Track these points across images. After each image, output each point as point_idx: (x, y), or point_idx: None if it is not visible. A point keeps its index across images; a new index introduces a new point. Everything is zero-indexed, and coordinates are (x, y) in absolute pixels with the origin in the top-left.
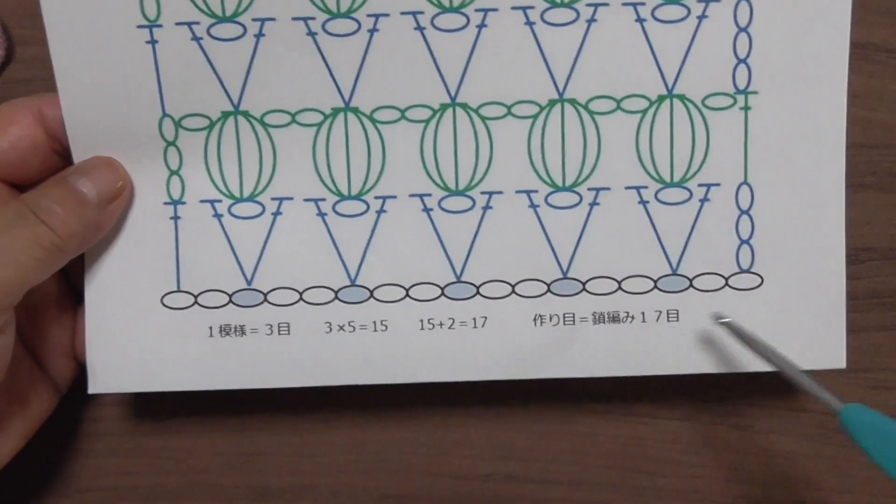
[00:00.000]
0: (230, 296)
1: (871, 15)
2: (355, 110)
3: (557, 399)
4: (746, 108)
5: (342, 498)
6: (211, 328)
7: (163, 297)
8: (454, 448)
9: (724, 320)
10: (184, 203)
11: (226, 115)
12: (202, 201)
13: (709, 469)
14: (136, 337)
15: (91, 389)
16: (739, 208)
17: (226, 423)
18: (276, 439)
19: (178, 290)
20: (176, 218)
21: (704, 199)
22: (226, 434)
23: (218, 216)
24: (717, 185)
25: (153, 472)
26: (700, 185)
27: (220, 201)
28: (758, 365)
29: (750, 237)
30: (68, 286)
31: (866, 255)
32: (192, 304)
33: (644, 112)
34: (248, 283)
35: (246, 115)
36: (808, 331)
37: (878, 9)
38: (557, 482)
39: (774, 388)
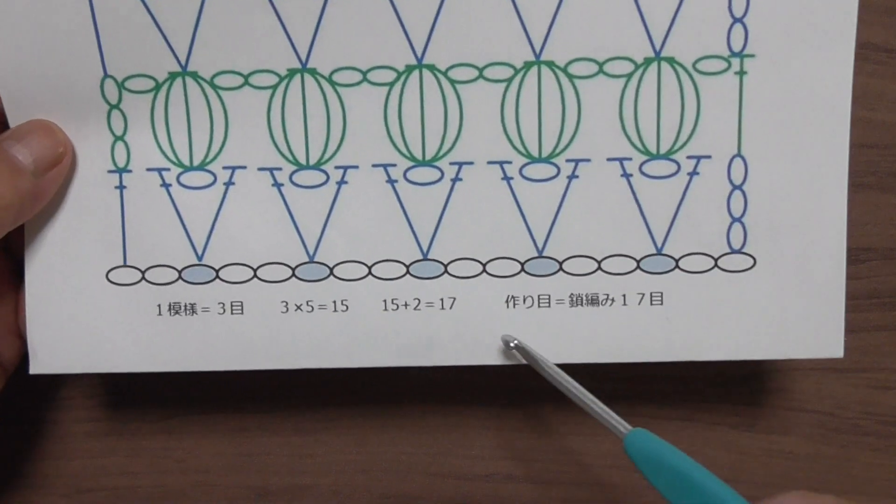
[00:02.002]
0: (180, 272)
1: (871, 15)
2: (313, 71)
3: (557, 399)
4: (742, 73)
5: (342, 498)
6: (159, 306)
7: (108, 272)
8: (454, 448)
9: (513, 343)
10: (129, 171)
11: (173, 76)
12: (149, 169)
13: (709, 469)
14: (79, 315)
15: (32, 370)
16: (732, 183)
17: (226, 423)
18: (276, 439)
19: (125, 265)
20: (121, 187)
21: (693, 173)
22: (226, 434)
23: (166, 186)
24: (708, 157)
25: (153, 472)
26: (689, 158)
27: (168, 170)
28: (748, 353)
29: (742, 215)
30: (9, 259)
31: (866, 255)
32: (140, 281)
33: (629, 76)
34: (199, 258)
35: (194, 76)
36: (804, 318)
37: (878, 9)
38: (557, 482)
39: (774, 388)
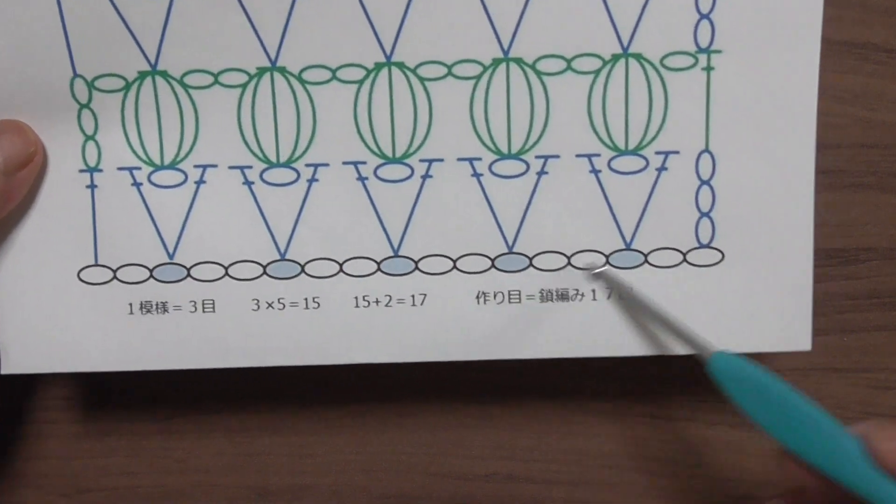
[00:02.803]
0: (151, 270)
1: (871, 15)
2: (282, 70)
3: (557, 399)
4: (709, 69)
5: (342, 498)
6: (131, 305)
7: (79, 271)
8: (454, 448)
9: (596, 270)
10: (100, 171)
11: (143, 75)
12: (120, 168)
13: (709, 469)
14: (51, 314)
15: (4, 369)
16: (700, 178)
17: (226, 423)
18: (276, 439)
19: (96, 265)
20: (92, 186)
21: (662, 168)
22: (226, 434)
23: (137, 184)
24: (676, 152)
25: (153, 472)
26: (657, 153)
27: (139, 168)
28: (724, 344)
29: (710, 210)
30: None
31: (866, 255)
32: (111, 279)
33: (597, 73)
34: (170, 256)
35: (164, 75)
36: (772, 311)
37: (878, 9)
38: (557, 482)
39: None
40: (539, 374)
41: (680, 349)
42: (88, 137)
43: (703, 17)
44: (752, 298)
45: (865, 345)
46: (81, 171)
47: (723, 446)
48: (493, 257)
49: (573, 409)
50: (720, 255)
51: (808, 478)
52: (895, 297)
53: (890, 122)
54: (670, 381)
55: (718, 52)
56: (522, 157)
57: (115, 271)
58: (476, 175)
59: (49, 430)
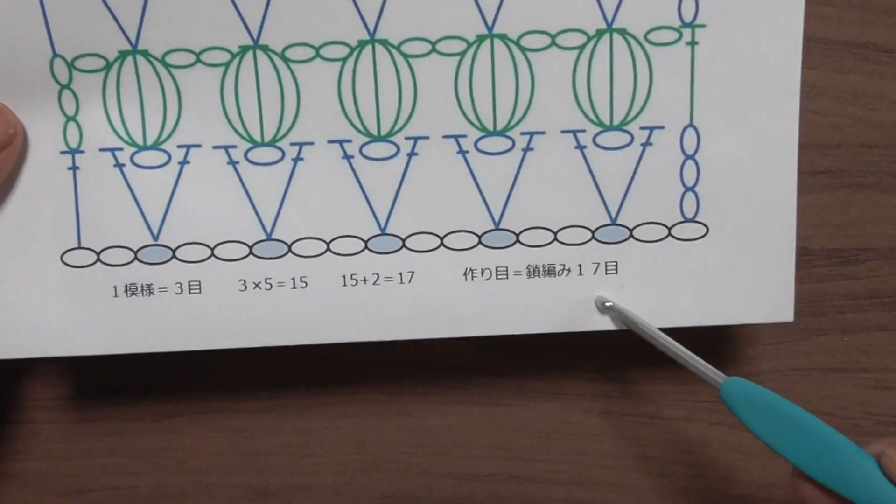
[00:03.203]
0: (135, 252)
1: (871, 15)
2: (265, 48)
3: (557, 399)
4: (693, 44)
5: (342, 498)
6: (115, 287)
7: (62, 254)
8: (454, 448)
9: (608, 304)
10: (82, 152)
11: (123, 54)
12: (102, 150)
13: (709, 469)
14: (34, 298)
15: None
16: (684, 153)
17: (226, 423)
18: (276, 439)
19: (79, 247)
20: (74, 168)
21: (646, 144)
22: (226, 434)
23: (119, 166)
24: (661, 128)
25: (153, 472)
26: (642, 129)
27: (121, 149)
28: (701, 319)
29: (695, 184)
30: None
31: (866, 255)
32: (95, 262)
33: (581, 48)
34: (155, 238)
35: (145, 54)
36: (755, 283)
37: (878, 9)
38: (557, 482)
39: (775, 388)
40: (539, 375)
41: (669, 322)
42: (69, 118)
43: None
44: (736, 271)
45: (865, 345)
46: (63, 152)
47: (723, 446)
48: (479, 234)
49: (573, 409)
50: (705, 229)
51: (823, 499)
52: (895, 297)
53: (890, 122)
54: (670, 382)
55: (702, 26)
56: (508, 133)
57: (98, 254)
58: (462, 152)
59: (49, 430)
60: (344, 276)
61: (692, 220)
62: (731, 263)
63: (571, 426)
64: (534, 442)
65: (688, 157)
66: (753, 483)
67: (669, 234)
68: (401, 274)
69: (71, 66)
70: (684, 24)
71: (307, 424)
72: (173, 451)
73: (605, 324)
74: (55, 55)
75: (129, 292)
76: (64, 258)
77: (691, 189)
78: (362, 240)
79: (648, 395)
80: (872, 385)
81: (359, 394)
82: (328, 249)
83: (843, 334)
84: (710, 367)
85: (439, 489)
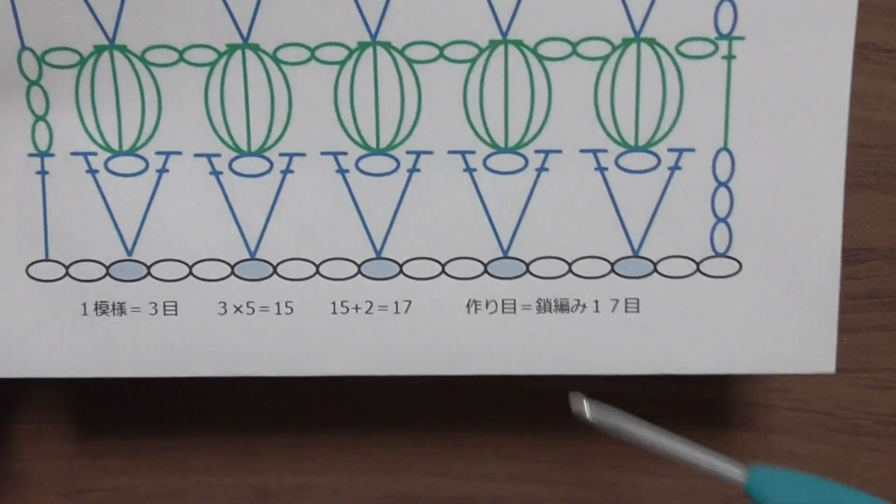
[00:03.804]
0: (107, 267)
1: (871, 15)
2: (255, 48)
3: (558, 399)
4: (730, 58)
5: (342, 498)
6: (85, 305)
7: (28, 266)
8: (454, 448)
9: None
10: (52, 155)
11: (99, 49)
12: (74, 154)
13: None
14: None
15: None
16: (717, 179)
17: (226, 423)
18: (276, 439)
19: (47, 259)
20: (43, 173)
21: (675, 167)
22: (226, 434)
23: (92, 172)
24: (691, 150)
25: (153, 472)
26: (670, 151)
27: (94, 154)
28: (731, 367)
29: (728, 215)
30: None
31: (866, 255)
32: (63, 276)
33: (605, 59)
34: (129, 252)
35: (124, 50)
36: (792, 328)
37: (878, 9)
38: (557, 482)
39: (774, 388)
40: (539, 375)
41: (694, 368)
42: (39, 118)
43: None
44: (770, 314)
45: (865, 345)
46: (31, 155)
47: (723, 446)
48: (485, 262)
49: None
50: (737, 266)
51: None
52: (895, 297)
53: (890, 122)
54: (670, 382)
55: (741, 38)
56: (520, 151)
57: (67, 268)
58: (469, 170)
59: (49, 430)
60: (334, 303)
61: (723, 255)
62: (766, 305)
63: (571, 426)
64: (534, 442)
65: (720, 183)
66: None
67: (698, 269)
68: (396, 303)
69: (41, 60)
70: (721, 36)
71: (307, 424)
72: (173, 451)
73: (624, 367)
74: (24, 48)
75: (99, 310)
76: (29, 271)
77: (723, 220)
78: (355, 263)
79: (648, 395)
80: (872, 385)
81: (358, 394)
82: (317, 273)
83: (843, 334)
84: (727, 464)
85: (440, 489)
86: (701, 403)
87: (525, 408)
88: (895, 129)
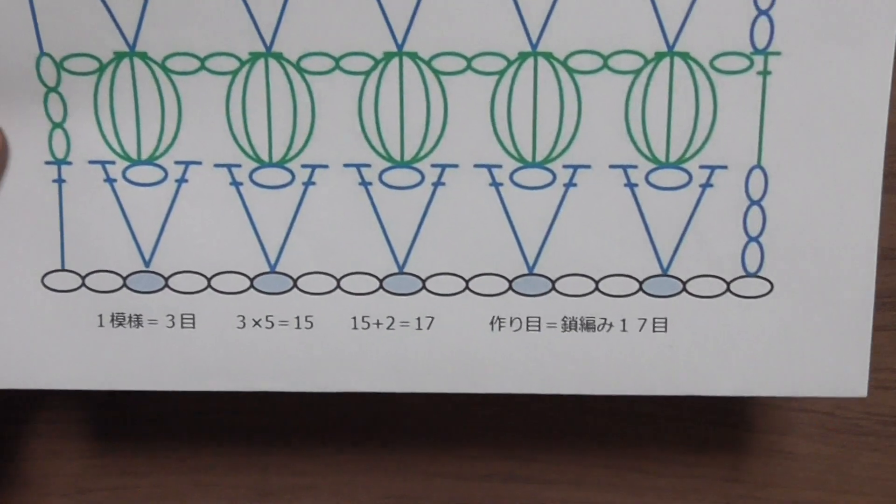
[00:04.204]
0: (124, 278)
1: None
2: (278, 56)
3: (558, 399)
4: (765, 73)
5: (342, 498)
6: (101, 316)
7: (43, 276)
8: (454, 448)
9: None
10: (69, 163)
11: (119, 56)
12: (91, 162)
13: (709, 469)
14: (10, 324)
15: None
16: (749, 197)
17: (226, 423)
18: (277, 439)
19: (63, 269)
20: (60, 181)
21: (706, 185)
22: (226, 434)
23: (110, 181)
24: (724, 167)
25: (153, 472)
26: (702, 168)
27: (112, 163)
28: (760, 389)
29: (760, 234)
30: None
31: None
32: (79, 287)
33: (637, 72)
34: (146, 263)
35: (144, 57)
36: (825, 351)
37: None
38: (557, 482)
39: None
40: None
41: (723, 390)
42: (56, 125)
43: (761, 13)
44: (802, 336)
45: None
46: (48, 163)
47: (723, 446)
48: (510, 279)
49: (573, 408)
50: (769, 286)
51: None
52: (895, 297)
53: (890, 122)
54: None
55: (777, 53)
56: (548, 165)
57: (83, 278)
58: (495, 184)
59: (48, 430)
60: (354, 318)
61: (755, 275)
62: (797, 326)
63: (571, 426)
64: (534, 442)
65: (753, 202)
66: (754, 483)
67: (728, 289)
68: (419, 319)
69: (60, 66)
70: (756, 51)
71: (307, 424)
72: (173, 451)
73: (651, 388)
74: (42, 53)
75: (115, 322)
76: (45, 281)
77: (755, 239)
78: (377, 278)
79: (649, 395)
80: (872, 385)
81: (358, 394)
82: (338, 287)
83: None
84: None
85: (439, 489)
86: (701, 403)
87: (525, 408)
88: (895, 129)
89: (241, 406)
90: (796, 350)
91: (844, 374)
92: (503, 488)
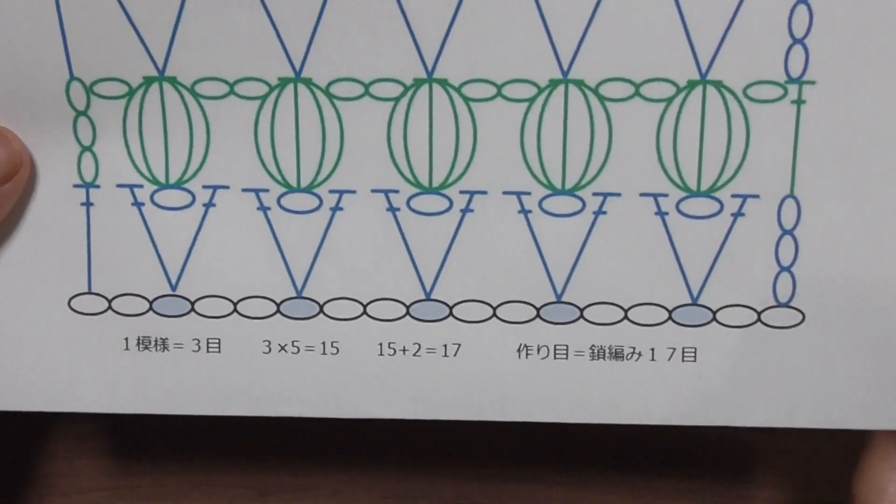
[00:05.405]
0: (151, 302)
1: None
2: (308, 82)
3: None
4: (800, 102)
5: (342, 498)
6: (127, 340)
7: (70, 299)
8: (454, 448)
9: None
10: (98, 187)
11: (149, 80)
12: (120, 185)
13: (709, 469)
14: (37, 346)
15: None
16: (782, 227)
17: (226, 423)
18: (276, 439)
19: (89, 293)
20: (88, 204)
21: (738, 214)
22: (226, 434)
23: (138, 204)
24: (756, 196)
25: (153, 472)
26: (734, 197)
27: (141, 186)
28: (792, 420)
29: (792, 264)
30: None
31: None
32: (106, 310)
33: (669, 101)
34: (173, 287)
35: (173, 82)
36: (858, 382)
37: None
38: (557, 482)
39: None
40: None
41: (753, 421)
42: (85, 149)
43: (796, 41)
44: (835, 368)
45: None
46: (76, 186)
47: (723, 446)
48: (538, 306)
49: None
50: (801, 317)
51: None
52: None
53: None
54: None
55: (812, 83)
56: (578, 193)
57: (110, 301)
58: (524, 211)
59: (48, 430)
60: (381, 344)
61: (786, 305)
62: (830, 358)
63: (572, 426)
64: (534, 442)
65: (785, 231)
66: (753, 483)
67: (759, 319)
68: (445, 346)
69: (89, 90)
70: (791, 80)
71: (307, 424)
72: (173, 451)
73: (680, 418)
74: (72, 78)
75: (141, 346)
76: (71, 304)
77: (787, 269)
78: (404, 304)
79: None
80: None
81: None
82: (364, 313)
83: None
84: None
85: (439, 489)
86: None
87: None
88: None
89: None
90: (829, 382)
91: (878, 405)
92: (503, 488)
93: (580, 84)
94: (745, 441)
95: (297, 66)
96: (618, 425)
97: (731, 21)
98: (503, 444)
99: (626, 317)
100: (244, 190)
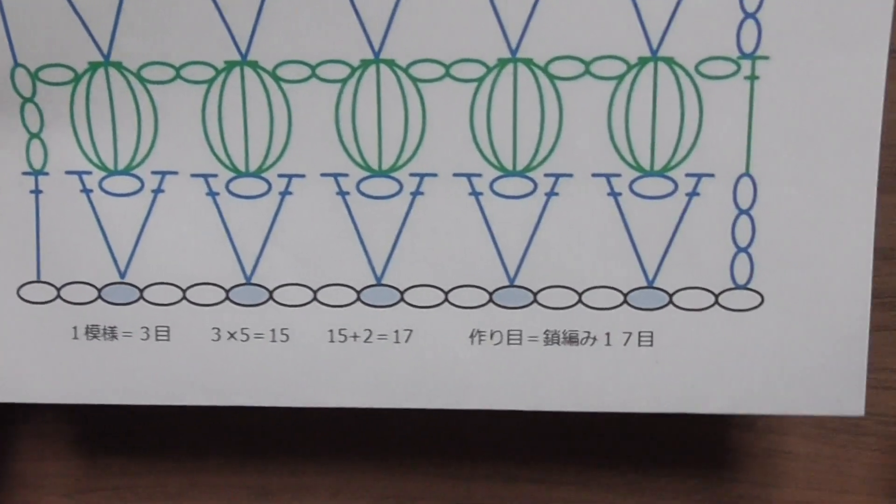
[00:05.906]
0: (99, 290)
1: None
2: (254, 65)
3: None
4: (753, 78)
5: (342, 498)
6: (75, 328)
7: (19, 288)
8: (455, 447)
9: None
10: (46, 174)
11: (94, 66)
12: (68, 172)
13: (710, 469)
14: None
15: None
16: (737, 207)
17: (226, 423)
18: (276, 439)
19: (38, 281)
20: (37, 192)
21: (693, 194)
22: (226, 434)
23: (87, 191)
24: (711, 175)
25: (153, 472)
26: (688, 176)
27: (89, 173)
28: (750, 406)
29: (749, 244)
30: None
31: None
32: (54, 299)
33: (620, 79)
34: (122, 275)
35: (119, 67)
36: (817, 366)
37: None
38: (557, 482)
39: None
40: None
41: (711, 408)
42: (33, 135)
43: (748, 16)
44: (794, 351)
45: None
46: (25, 173)
47: (723, 446)
48: (490, 291)
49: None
50: (759, 299)
51: None
52: (895, 297)
53: (890, 122)
54: None
55: (765, 58)
56: (529, 174)
57: (59, 289)
58: (475, 194)
59: (48, 430)
60: (331, 331)
61: (744, 287)
62: (789, 341)
63: (572, 427)
64: (534, 442)
65: (742, 211)
66: (753, 483)
67: (716, 302)
68: (397, 332)
69: (35, 77)
70: (743, 55)
71: (308, 424)
72: (173, 451)
73: (636, 405)
74: (17, 64)
75: (89, 335)
76: (20, 292)
77: (744, 250)
78: (354, 290)
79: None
80: (872, 385)
81: None
82: (315, 299)
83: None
84: None
85: (439, 489)
86: None
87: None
88: (895, 129)
89: (241, 406)
90: (788, 366)
91: (840, 391)
92: (504, 488)
93: (529, 63)
94: (744, 441)
95: (244, 49)
96: (620, 423)
97: None
98: (504, 444)
99: (580, 301)
100: (193, 175)
